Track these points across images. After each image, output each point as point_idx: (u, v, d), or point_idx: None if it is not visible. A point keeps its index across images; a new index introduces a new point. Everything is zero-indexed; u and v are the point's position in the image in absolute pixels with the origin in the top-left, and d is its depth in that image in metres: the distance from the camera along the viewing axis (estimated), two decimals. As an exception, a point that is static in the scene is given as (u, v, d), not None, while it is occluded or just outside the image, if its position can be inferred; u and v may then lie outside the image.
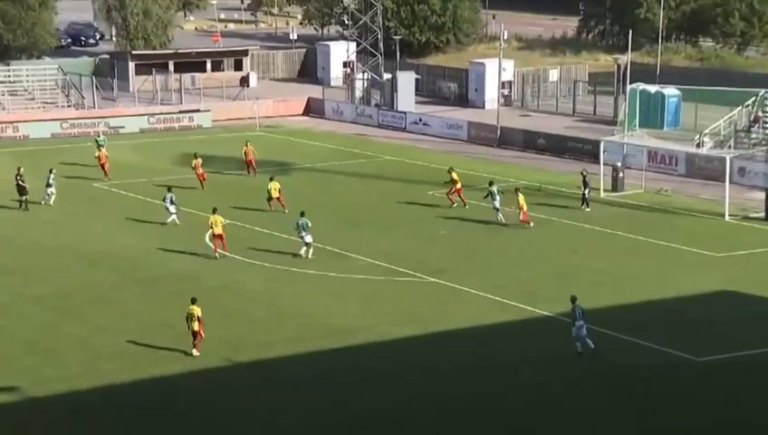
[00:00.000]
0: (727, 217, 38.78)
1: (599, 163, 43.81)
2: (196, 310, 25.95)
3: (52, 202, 40.44)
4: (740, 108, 49.39)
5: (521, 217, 36.95)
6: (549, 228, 37.88)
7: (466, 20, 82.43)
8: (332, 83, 70.99)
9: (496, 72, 57.38)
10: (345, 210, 37.44)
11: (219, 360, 26.05)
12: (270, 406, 23.80)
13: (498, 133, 54.48)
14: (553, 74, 67.17)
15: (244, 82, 70.39)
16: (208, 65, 72.08)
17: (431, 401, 23.91)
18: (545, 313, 29.22)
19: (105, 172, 45.29)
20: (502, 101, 57.72)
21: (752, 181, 43.74)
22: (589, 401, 23.91)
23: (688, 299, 30.40)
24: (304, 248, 33.62)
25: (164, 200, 37.90)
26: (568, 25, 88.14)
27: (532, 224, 36.95)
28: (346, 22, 70.63)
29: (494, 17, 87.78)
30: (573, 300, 26.41)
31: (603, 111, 59.75)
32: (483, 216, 38.69)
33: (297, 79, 75.97)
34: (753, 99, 49.28)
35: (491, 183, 37.87)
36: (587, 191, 40.00)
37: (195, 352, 25.98)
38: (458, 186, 39.79)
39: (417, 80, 64.11)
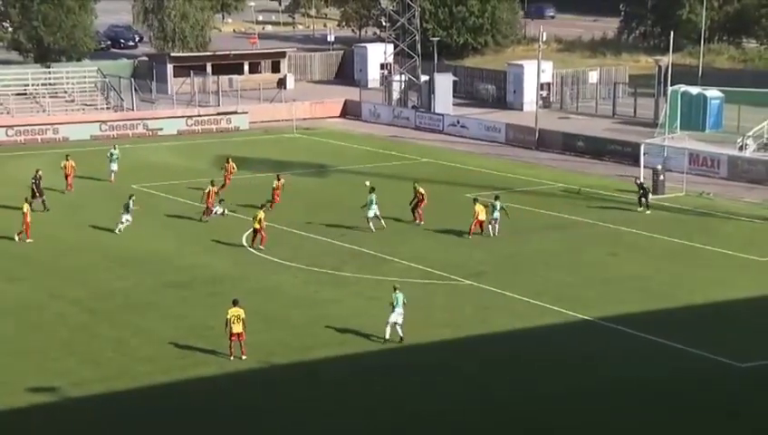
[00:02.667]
0: (772, 221, 38.20)
1: (639, 166, 43.36)
2: (240, 311, 25.63)
3: (122, 229, 36.93)
4: (785, 110, 48.68)
5: (472, 226, 35.48)
6: (589, 232, 37.53)
7: (505, 21, 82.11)
8: (369, 85, 71.06)
9: (535, 73, 57.06)
10: (382, 213, 37.33)
11: (257, 363, 26.03)
12: (312, 407, 23.76)
13: (536, 136, 54.15)
14: (593, 76, 66.67)
15: (282, 84, 70.64)
16: (246, 67, 72.44)
17: (478, 402, 23.73)
18: (586, 317, 28.91)
19: (69, 184, 43.08)
20: (540, 103, 57.37)
21: (797, 185, 43.08)
22: (634, 405, 23.59)
23: (732, 304, 29.95)
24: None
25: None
26: (608, 27, 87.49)
27: (483, 233, 35.57)
28: (383, 23, 70.65)
29: (532, 19, 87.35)
30: None
31: (643, 114, 59.19)
32: (511, 221, 38.37)
33: (334, 81, 76.14)
34: (799, 100, 48.54)
35: (496, 197, 36.63)
36: (645, 196, 39.54)
37: (243, 356, 25.65)
38: (423, 201, 37.37)
39: (454, 82, 63.98)
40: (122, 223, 37.12)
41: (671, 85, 50.71)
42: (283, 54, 74.68)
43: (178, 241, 36.76)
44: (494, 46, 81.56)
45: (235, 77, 68.35)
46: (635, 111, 60.43)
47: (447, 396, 24.19)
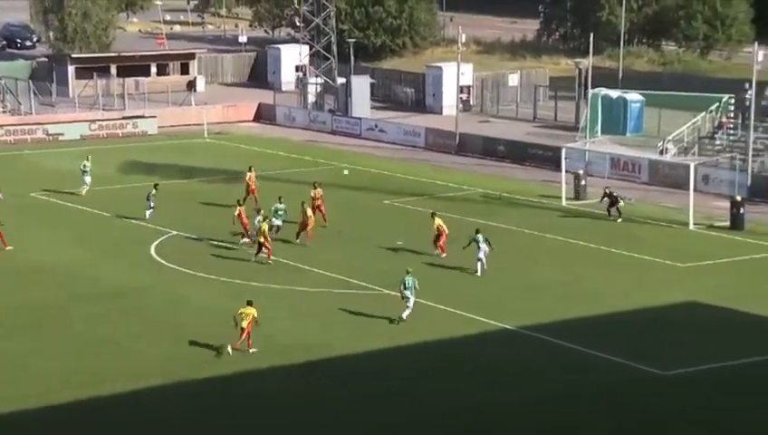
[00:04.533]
0: (692, 227, 39.32)
1: (560, 171, 44.20)
2: (252, 311, 27.01)
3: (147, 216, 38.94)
4: (704, 113, 50.09)
5: (441, 243, 34.53)
6: (510, 238, 38.14)
7: (423, 22, 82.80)
8: (284, 88, 70.89)
9: (454, 76, 57.71)
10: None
11: (164, 378, 25.80)
12: (226, 423, 23.63)
13: (457, 140, 54.76)
14: (513, 79, 67.68)
15: (192, 86, 70.01)
16: (153, 69, 71.60)
17: (417, 412, 23.91)
18: (508, 326, 29.36)
19: None
20: (460, 106, 58.04)
21: (716, 189, 44.38)
22: (548, 417, 24.05)
23: (653, 311, 30.74)
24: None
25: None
26: (528, 28, 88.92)
27: (444, 255, 34.50)
28: (298, 24, 70.61)
29: (451, 20, 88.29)
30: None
31: (565, 117, 60.33)
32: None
33: (247, 83, 75.77)
34: (717, 104, 49.99)
35: (477, 231, 34.13)
36: (613, 204, 39.61)
37: (251, 349, 27.01)
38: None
39: (372, 84, 64.23)
40: (149, 210, 38.79)
41: (592, 88, 51.81)
42: (192, 56, 74.03)
43: (83, 252, 36.18)
44: (412, 48, 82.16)
45: (141, 79, 67.46)
46: (556, 115, 61.57)
47: (382, 407, 24.30)
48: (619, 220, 39.64)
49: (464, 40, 56.61)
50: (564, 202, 43.05)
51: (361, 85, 62.26)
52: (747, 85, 45.80)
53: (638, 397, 24.88)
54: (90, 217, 40.97)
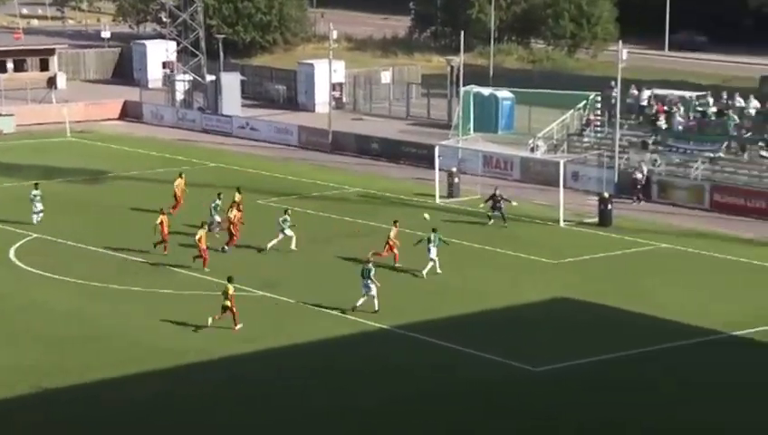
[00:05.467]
0: (562, 224, 40.51)
1: (434, 169, 44.88)
2: (230, 288, 28.35)
3: (217, 232, 36.85)
4: (572, 111, 51.66)
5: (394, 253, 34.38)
6: (382, 238, 38.55)
7: (293, 18, 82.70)
8: (151, 85, 69.77)
9: (326, 73, 57.88)
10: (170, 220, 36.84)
11: (29, 387, 25.15)
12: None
13: (330, 138, 54.96)
14: (386, 76, 68.28)
15: (52, 83, 68.23)
16: (10, 65, 69.62)
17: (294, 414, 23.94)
18: (383, 326, 29.69)
19: None
20: (333, 104, 58.25)
21: (585, 186, 45.86)
22: (420, 416, 24.48)
23: (524, 308, 31.56)
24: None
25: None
26: (399, 25, 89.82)
27: (398, 264, 34.40)
28: (164, 19, 69.48)
29: (322, 16, 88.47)
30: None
31: (437, 115, 61.25)
32: (306, 228, 38.89)
33: (111, 80, 74.26)
34: (585, 102, 51.58)
35: (434, 230, 34.06)
36: (499, 207, 39.52)
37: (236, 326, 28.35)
38: (163, 226, 35.41)
39: (242, 81, 63.83)
40: (215, 224, 37.43)
41: (463, 86, 52.76)
42: (52, 51, 72.14)
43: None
44: (283, 44, 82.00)
45: (-3, 75, 65.37)
46: (429, 113, 62.43)
47: (262, 411, 24.29)
48: (505, 226, 39.85)
49: (335, 36, 56.86)
50: (438, 200, 43.76)
51: (231, 82, 61.82)
52: (613, 83, 47.49)
53: (509, 395, 25.51)
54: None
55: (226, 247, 35.79)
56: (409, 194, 45.32)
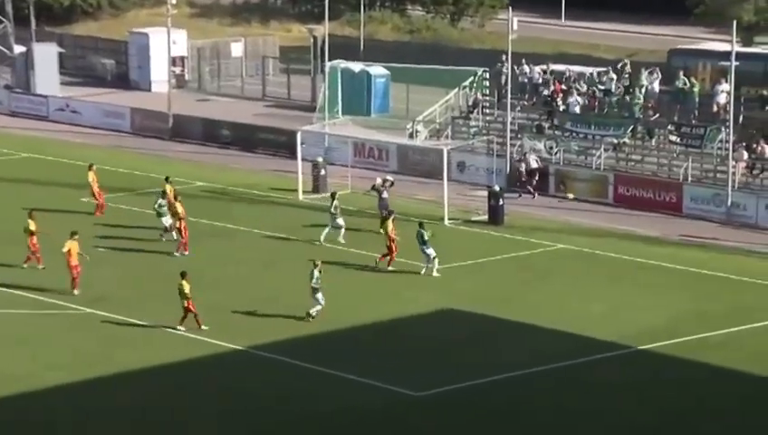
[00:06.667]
0: (447, 222, 41.06)
1: (295, 159, 44.90)
2: (185, 285, 29.78)
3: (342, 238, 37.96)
4: (457, 90, 52.38)
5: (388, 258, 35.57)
6: (240, 241, 38.42)
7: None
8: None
9: (164, 44, 57.33)
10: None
11: None
12: None
13: (170, 123, 54.49)
14: (237, 48, 68.08)
15: None
16: None
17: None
18: (238, 346, 29.61)
19: None
20: (173, 82, 57.74)
21: (473, 178, 46.54)
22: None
23: (404, 322, 31.88)
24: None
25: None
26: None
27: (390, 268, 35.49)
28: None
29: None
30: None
31: (300, 95, 61.37)
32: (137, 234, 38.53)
33: None
34: (471, 79, 52.30)
35: (421, 224, 35.47)
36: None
37: (203, 326, 30.02)
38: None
39: (60, 54, 62.85)
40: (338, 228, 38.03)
41: (329, 60, 52.92)
42: None
43: None
44: (110, 9, 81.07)
45: None
46: (289, 93, 62.50)
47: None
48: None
49: (174, 1, 56.37)
50: (301, 196, 43.77)
51: (47, 55, 61.00)
52: (504, 57, 48.29)
53: (388, 422, 25.79)
54: None
55: (186, 253, 36.21)
56: (266, 189, 45.28)
